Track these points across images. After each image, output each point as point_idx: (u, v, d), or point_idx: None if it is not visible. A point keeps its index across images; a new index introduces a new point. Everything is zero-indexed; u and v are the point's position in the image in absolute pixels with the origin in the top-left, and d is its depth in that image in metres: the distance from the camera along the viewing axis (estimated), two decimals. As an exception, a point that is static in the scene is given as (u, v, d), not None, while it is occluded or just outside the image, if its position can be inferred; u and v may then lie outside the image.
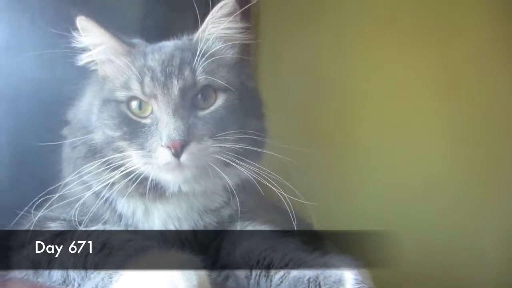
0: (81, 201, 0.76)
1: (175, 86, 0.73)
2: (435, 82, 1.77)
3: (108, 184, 0.75)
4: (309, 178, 1.71)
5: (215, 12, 0.78)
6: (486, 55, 1.73)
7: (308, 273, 0.61)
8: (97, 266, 0.66)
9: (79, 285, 0.68)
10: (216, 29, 0.79)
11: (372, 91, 1.78)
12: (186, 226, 0.79)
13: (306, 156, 1.73)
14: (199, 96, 0.75)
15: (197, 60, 0.75)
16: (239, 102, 0.77)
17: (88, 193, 0.77)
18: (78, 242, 0.71)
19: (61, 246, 0.72)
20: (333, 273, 0.60)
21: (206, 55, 0.76)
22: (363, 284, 0.59)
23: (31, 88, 0.84)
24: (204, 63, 0.75)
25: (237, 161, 0.75)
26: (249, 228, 0.80)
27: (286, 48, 1.80)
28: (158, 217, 0.78)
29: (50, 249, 0.73)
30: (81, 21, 0.77)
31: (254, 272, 0.69)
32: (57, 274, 0.71)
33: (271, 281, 0.65)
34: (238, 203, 0.80)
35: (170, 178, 0.74)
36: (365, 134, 1.78)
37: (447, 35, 1.75)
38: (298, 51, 1.79)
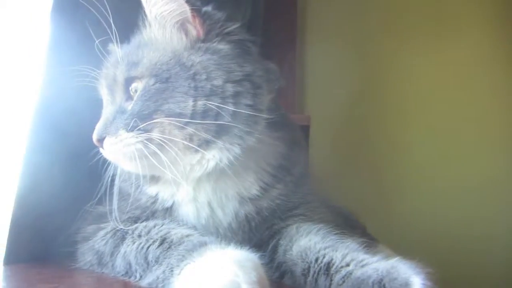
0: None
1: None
2: (487, 82, 1.69)
3: None
4: (359, 181, 1.71)
5: None
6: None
7: (372, 275, 0.59)
8: (158, 260, 0.67)
9: (141, 277, 0.69)
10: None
11: (425, 93, 1.74)
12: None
13: (356, 159, 1.74)
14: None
15: None
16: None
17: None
18: (139, 235, 0.74)
19: (124, 239, 0.75)
20: (400, 277, 0.58)
21: None
22: None
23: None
24: None
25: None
26: (306, 226, 0.79)
27: (331, 50, 1.80)
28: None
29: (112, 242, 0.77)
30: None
31: (312, 270, 0.68)
32: (120, 266, 0.73)
33: (331, 280, 0.64)
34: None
35: None
36: (418, 136, 1.74)
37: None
38: (344, 54, 1.78)
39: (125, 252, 0.73)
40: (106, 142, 0.76)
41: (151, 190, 0.80)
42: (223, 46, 0.76)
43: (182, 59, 0.75)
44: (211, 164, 0.75)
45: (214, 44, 0.76)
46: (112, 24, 0.77)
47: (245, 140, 0.75)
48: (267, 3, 1.71)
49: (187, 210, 0.79)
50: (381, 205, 1.69)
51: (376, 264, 0.62)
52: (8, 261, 0.83)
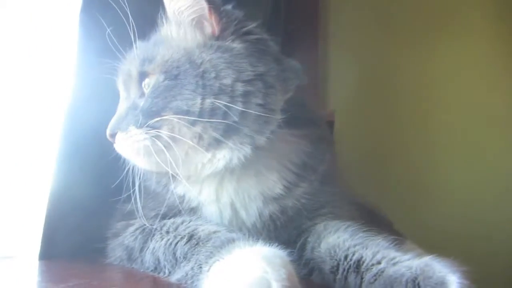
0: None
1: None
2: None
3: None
4: (385, 176, 1.69)
5: None
6: None
7: (405, 273, 0.58)
8: (186, 256, 0.68)
9: (170, 272, 0.70)
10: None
11: (451, 89, 1.71)
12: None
13: (382, 154, 1.72)
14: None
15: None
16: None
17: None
18: (167, 232, 0.75)
19: (153, 235, 0.76)
20: (435, 275, 0.56)
21: None
22: None
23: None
24: None
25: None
26: (334, 223, 0.79)
27: (354, 45, 1.78)
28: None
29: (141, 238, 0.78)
30: None
31: (341, 267, 0.67)
32: (149, 261, 0.74)
33: (361, 278, 0.63)
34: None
35: None
36: (445, 131, 1.71)
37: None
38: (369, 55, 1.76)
39: (153, 248, 0.74)
40: (117, 137, 0.77)
41: (179, 190, 0.81)
42: (237, 45, 0.75)
43: (193, 57, 0.75)
44: (221, 163, 0.75)
45: (228, 43, 0.76)
46: (131, 21, 0.78)
47: (255, 140, 0.74)
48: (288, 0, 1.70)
49: (210, 210, 0.80)
50: (407, 201, 1.66)
51: (409, 262, 0.61)
52: (43, 256, 0.85)
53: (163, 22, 0.83)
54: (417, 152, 1.75)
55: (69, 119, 0.88)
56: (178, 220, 0.77)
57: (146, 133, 0.73)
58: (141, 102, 0.76)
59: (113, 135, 0.78)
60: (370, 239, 0.71)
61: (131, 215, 0.82)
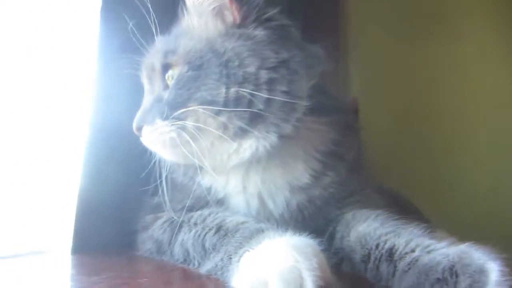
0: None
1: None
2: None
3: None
4: (412, 164, 1.65)
5: None
6: None
7: (442, 261, 0.56)
8: (215, 247, 0.68)
9: (199, 264, 0.70)
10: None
11: (476, 80, 1.66)
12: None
13: (408, 141, 1.69)
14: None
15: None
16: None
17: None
18: (195, 223, 0.75)
19: (181, 228, 0.76)
20: (473, 263, 0.54)
21: None
22: (510, 277, 0.52)
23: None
24: None
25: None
26: (363, 212, 0.77)
27: (377, 31, 1.74)
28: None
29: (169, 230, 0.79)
30: None
31: (372, 256, 0.66)
32: (178, 253, 0.75)
33: (394, 267, 0.61)
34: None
35: None
36: (472, 119, 1.67)
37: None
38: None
39: (182, 240, 0.74)
40: (144, 130, 0.77)
41: (206, 181, 0.81)
42: (259, 32, 0.75)
43: (215, 46, 0.74)
44: (248, 153, 0.74)
45: (250, 30, 0.75)
46: (152, 14, 0.78)
47: (281, 128, 0.73)
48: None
49: (237, 201, 0.79)
50: (434, 188, 1.63)
51: (445, 250, 0.59)
52: (75, 250, 0.87)
53: (183, 14, 0.82)
54: (443, 137, 1.71)
55: (95, 115, 0.89)
56: (206, 211, 0.77)
57: (172, 125, 0.73)
58: (166, 95, 0.76)
59: (140, 129, 0.78)
60: (402, 227, 0.69)
61: (159, 208, 0.83)
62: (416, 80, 1.76)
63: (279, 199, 0.78)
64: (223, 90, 0.71)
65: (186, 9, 0.81)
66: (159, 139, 0.75)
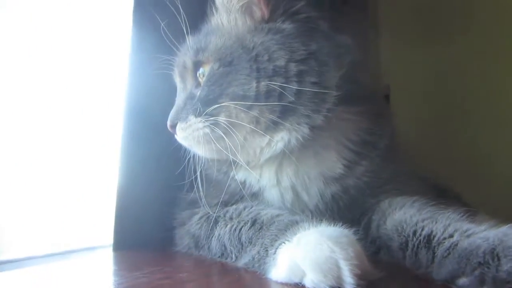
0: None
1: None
2: None
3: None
4: (447, 148, 1.60)
5: None
6: None
7: (482, 245, 0.55)
8: (251, 240, 0.69)
9: (236, 257, 0.71)
10: None
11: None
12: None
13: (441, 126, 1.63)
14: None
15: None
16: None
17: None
18: (230, 218, 0.76)
19: (217, 222, 0.78)
20: None
21: None
22: None
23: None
24: None
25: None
26: (399, 199, 0.76)
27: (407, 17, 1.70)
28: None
29: (206, 225, 0.80)
30: None
31: (410, 243, 0.65)
32: (216, 248, 0.76)
33: (433, 253, 0.60)
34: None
35: None
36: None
37: None
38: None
39: (219, 234, 0.75)
40: (178, 127, 0.79)
41: (240, 176, 0.81)
42: (287, 26, 0.75)
43: (245, 42, 0.75)
44: (280, 145, 0.74)
45: (278, 24, 0.75)
46: (183, 14, 0.79)
47: (312, 119, 0.73)
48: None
49: (272, 194, 0.80)
50: (471, 172, 1.57)
51: (485, 233, 0.57)
52: (117, 247, 0.90)
53: (213, 12, 0.84)
54: (477, 122, 1.65)
55: (130, 115, 0.92)
56: (240, 206, 0.78)
57: (205, 121, 0.75)
58: (198, 92, 0.78)
59: (174, 126, 0.80)
60: (439, 212, 0.67)
61: (194, 204, 0.84)
62: (450, 61, 1.70)
63: (313, 191, 0.78)
64: (254, 84, 0.72)
65: (215, 8, 0.83)
66: (193, 135, 0.77)
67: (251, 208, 0.76)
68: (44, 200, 0.93)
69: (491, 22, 1.62)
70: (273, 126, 0.74)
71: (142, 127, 0.92)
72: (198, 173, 0.81)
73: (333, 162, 0.78)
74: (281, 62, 0.72)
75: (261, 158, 0.78)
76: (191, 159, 0.83)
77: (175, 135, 0.81)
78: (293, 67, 0.72)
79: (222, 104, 0.74)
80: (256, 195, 0.81)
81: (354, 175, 0.79)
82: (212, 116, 0.74)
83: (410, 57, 1.73)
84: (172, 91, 0.89)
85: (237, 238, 0.72)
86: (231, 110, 0.74)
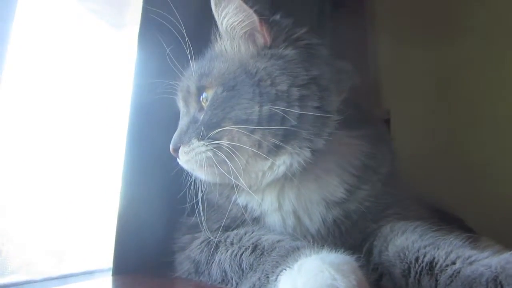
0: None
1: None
2: None
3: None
4: (447, 172, 1.60)
5: None
6: None
7: (485, 273, 0.55)
8: (252, 266, 0.68)
9: (237, 284, 0.70)
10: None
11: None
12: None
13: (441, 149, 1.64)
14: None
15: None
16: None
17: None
18: (231, 243, 0.76)
19: (218, 248, 0.77)
20: None
21: None
22: None
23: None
24: None
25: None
26: (400, 224, 0.76)
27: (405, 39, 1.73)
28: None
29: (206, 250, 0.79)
30: None
31: (413, 270, 0.64)
32: (216, 274, 0.75)
33: (436, 280, 0.60)
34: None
35: None
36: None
37: None
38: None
39: (219, 260, 0.75)
40: (180, 151, 0.79)
41: (242, 200, 0.81)
42: (289, 52, 0.76)
43: (248, 67, 0.76)
44: (282, 169, 0.75)
45: (280, 50, 0.77)
46: (187, 40, 0.81)
47: (314, 143, 0.74)
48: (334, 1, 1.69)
49: (273, 219, 0.80)
50: (473, 196, 1.56)
51: (488, 260, 0.57)
52: (116, 271, 0.89)
53: (216, 39, 0.85)
54: (478, 145, 1.65)
55: (133, 138, 0.92)
56: (241, 231, 0.78)
57: (208, 144, 0.75)
58: (201, 116, 0.79)
59: (176, 150, 0.80)
60: (442, 238, 0.67)
61: (195, 228, 0.84)
62: (450, 85, 1.72)
63: (315, 215, 0.78)
64: (257, 108, 0.73)
65: (219, 34, 0.84)
66: (196, 159, 0.77)
67: (252, 233, 0.76)
68: (42, 222, 0.92)
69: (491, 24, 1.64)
70: (275, 150, 0.74)
71: (144, 151, 0.92)
72: (200, 197, 0.81)
73: (334, 186, 0.78)
74: (283, 87, 0.73)
75: (263, 181, 0.78)
76: (193, 183, 0.83)
77: (178, 159, 0.81)
78: (295, 92, 0.73)
79: (225, 128, 0.74)
80: (257, 220, 0.81)
81: (356, 199, 0.79)
82: (215, 140, 0.75)
83: (409, 59, 1.74)
84: (175, 115, 0.89)
85: (238, 264, 0.71)
86: (233, 134, 0.74)
